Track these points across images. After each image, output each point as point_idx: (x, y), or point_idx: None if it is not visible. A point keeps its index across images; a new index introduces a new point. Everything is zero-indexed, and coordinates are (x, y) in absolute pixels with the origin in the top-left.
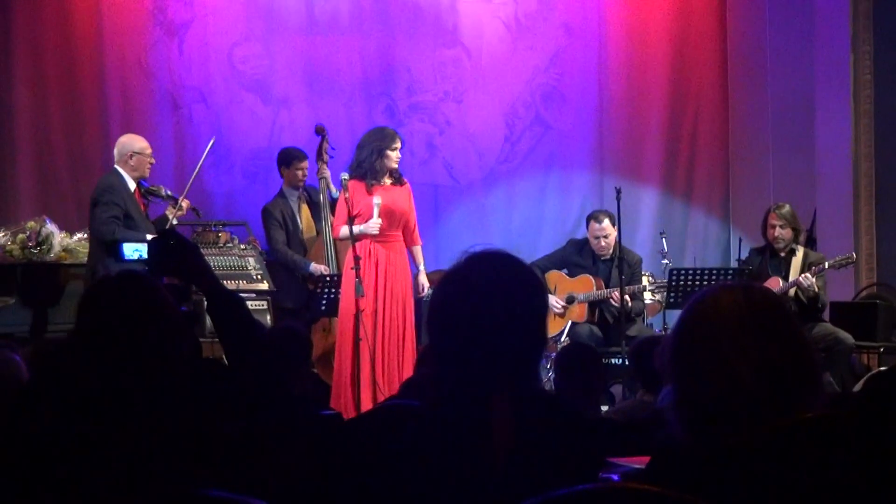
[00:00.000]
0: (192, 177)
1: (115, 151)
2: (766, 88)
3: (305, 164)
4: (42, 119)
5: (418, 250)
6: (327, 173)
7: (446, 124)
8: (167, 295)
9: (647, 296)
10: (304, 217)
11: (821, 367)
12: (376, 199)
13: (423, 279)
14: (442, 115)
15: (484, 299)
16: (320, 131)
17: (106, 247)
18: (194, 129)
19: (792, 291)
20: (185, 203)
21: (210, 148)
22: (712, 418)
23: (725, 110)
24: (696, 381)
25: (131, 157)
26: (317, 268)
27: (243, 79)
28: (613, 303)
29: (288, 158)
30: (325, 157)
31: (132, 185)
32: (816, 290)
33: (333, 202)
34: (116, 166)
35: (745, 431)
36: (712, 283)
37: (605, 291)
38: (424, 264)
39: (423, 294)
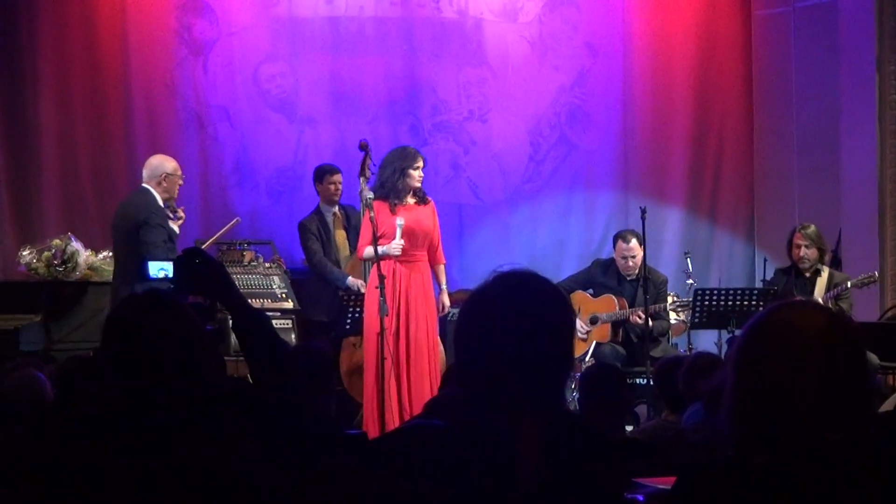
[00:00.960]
0: (208, 242)
1: (146, 172)
2: (791, 108)
3: (338, 177)
4: (67, 138)
5: (441, 269)
6: (369, 194)
7: (471, 144)
8: (192, 314)
9: (672, 316)
10: (339, 235)
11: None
12: (399, 221)
13: (445, 299)
14: (467, 135)
15: (510, 319)
16: (364, 147)
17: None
18: (219, 147)
19: None
20: (182, 212)
21: (232, 226)
22: (766, 432)
23: (750, 130)
24: (760, 391)
25: (165, 178)
26: (354, 282)
27: (268, 98)
28: (637, 321)
29: (320, 173)
30: (368, 173)
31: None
32: (842, 311)
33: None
34: (147, 185)
35: (795, 447)
36: (737, 303)
37: (627, 311)
38: (448, 283)
39: (445, 313)
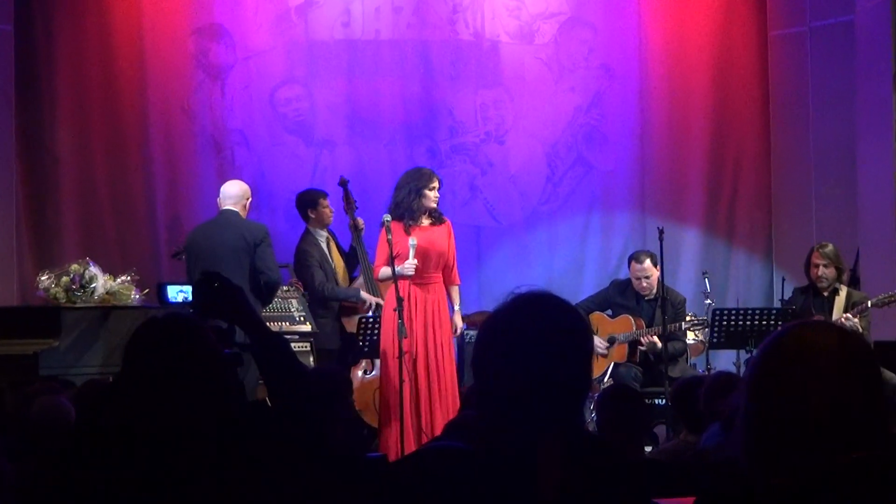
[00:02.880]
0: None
1: (230, 195)
2: (808, 127)
3: (328, 200)
4: (86, 162)
5: (455, 290)
6: (362, 225)
7: (488, 165)
8: (212, 337)
9: (691, 336)
10: (336, 258)
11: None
12: (412, 241)
13: (458, 319)
14: (484, 156)
15: (529, 341)
16: (343, 184)
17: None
18: (237, 171)
19: None
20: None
21: None
22: (782, 452)
23: (767, 149)
24: (774, 413)
25: (248, 200)
26: (368, 296)
27: (285, 121)
28: (654, 341)
29: (314, 199)
30: (354, 205)
31: None
32: (860, 330)
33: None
34: (234, 208)
35: (811, 468)
36: (755, 323)
37: (643, 330)
38: (465, 305)
39: (457, 335)
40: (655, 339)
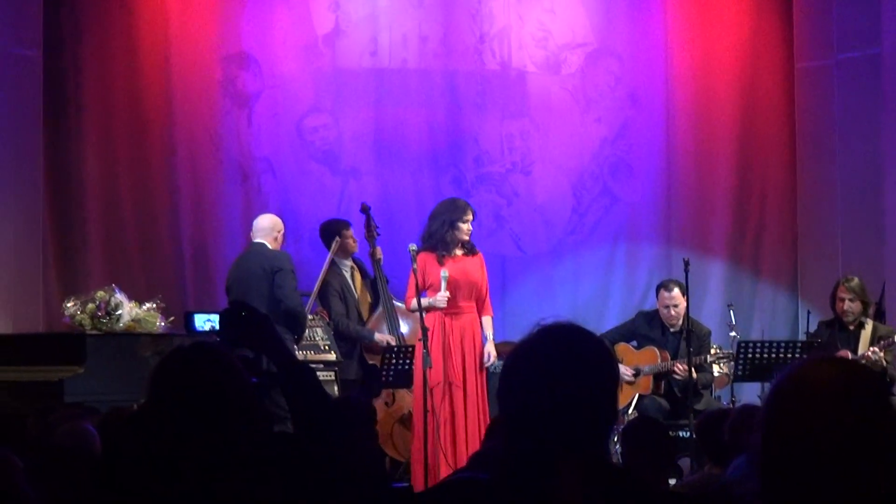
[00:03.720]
0: None
1: (260, 228)
2: (834, 160)
3: (351, 230)
4: (111, 189)
5: (488, 321)
6: (380, 255)
7: (514, 195)
8: (238, 366)
9: (716, 368)
10: (359, 287)
11: None
12: (444, 273)
13: (491, 348)
14: (509, 187)
15: (555, 372)
16: (365, 210)
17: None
18: (263, 199)
19: None
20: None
21: None
22: (797, 488)
23: (793, 181)
24: (786, 450)
25: (280, 233)
26: (381, 337)
27: (312, 149)
28: (677, 374)
29: (336, 228)
30: (375, 233)
31: None
32: (885, 364)
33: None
34: (263, 241)
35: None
36: (780, 356)
37: (669, 363)
38: (493, 334)
39: (489, 364)
40: (686, 367)
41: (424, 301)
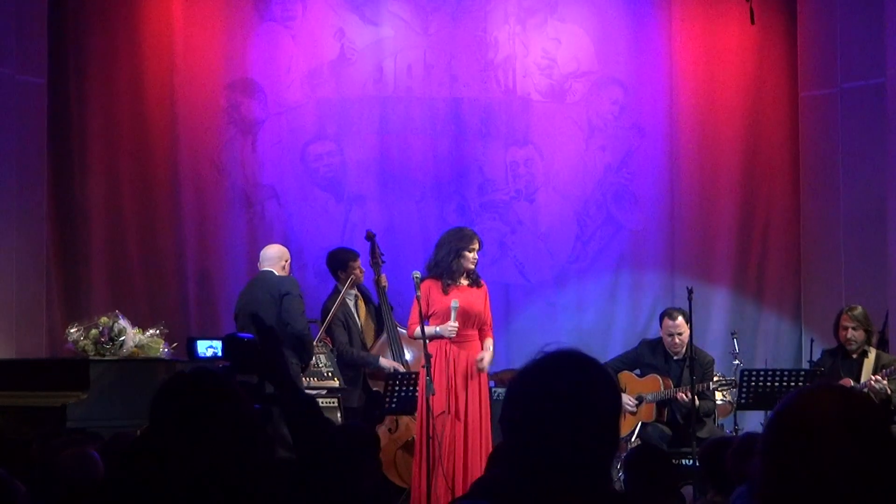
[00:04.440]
0: None
1: (268, 257)
2: (837, 189)
3: (359, 261)
4: (115, 215)
5: (489, 340)
6: (385, 282)
7: (518, 223)
8: (240, 392)
9: (719, 396)
10: (363, 315)
11: None
12: (454, 304)
13: (487, 355)
14: (513, 214)
15: (558, 399)
16: (370, 237)
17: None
18: (267, 226)
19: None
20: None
21: None
22: None
23: (797, 210)
24: (787, 481)
25: (287, 262)
26: (386, 363)
27: (316, 176)
28: (680, 401)
29: (345, 260)
30: (381, 261)
31: None
32: (889, 392)
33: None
34: (271, 269)
35: None
36: (783, 384)
37: (672, 390)
38: (494, 363)
39: (482, 366)
40: (686, 394)
41: (431, 329)
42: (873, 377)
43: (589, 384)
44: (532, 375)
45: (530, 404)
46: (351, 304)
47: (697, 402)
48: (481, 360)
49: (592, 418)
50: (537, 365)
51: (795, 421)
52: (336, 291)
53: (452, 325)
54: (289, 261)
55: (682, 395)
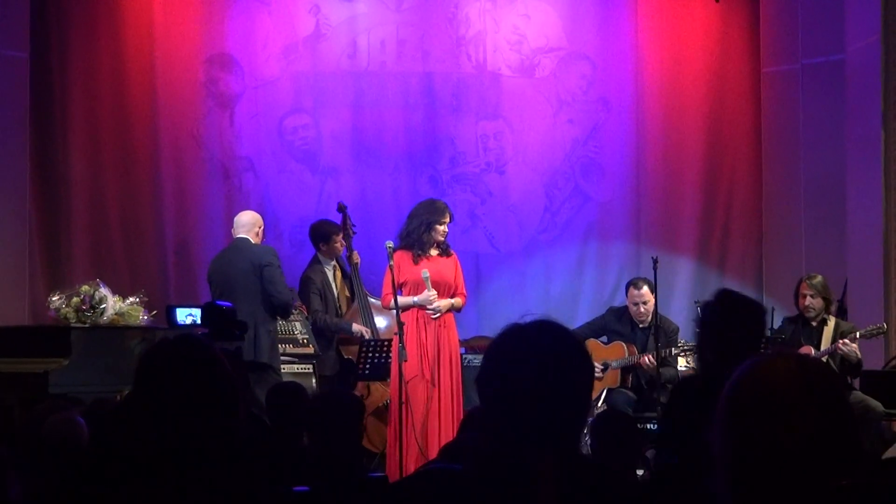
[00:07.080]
0: None
1: (242, 223)
2: (798, 161)
3: (341, 234)
4: (96, 187)
5: (457, 299)
6: (358, 259)
7: (488, 195)
8: (223, 358)
9: (682, 362)
10: (339, 283)
11: (862, 438)
12: (425, 273)
13: (442, 302)
14: (484, 186)
15: (532, 367)
16: (342, 209)
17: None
18: (244, 197)
19: (824, 360)
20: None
21: None
22: (758, 484)
23: (759, 182)
24: (745, 447)
25: (260, 228)
26: (358, 328)
27: (292, 149)
28: (643, 366)
29: (326, 234)
30: (352, 232)
31: None
32: (858, 356)
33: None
34: (246, 236)
35: (788, 499)
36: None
37: (636, 356)
38: (461, 329)
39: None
40: (649, 359)
41: (408, 300)
42: (841, 341)
43: (564, 353)
44: (508, 344)
45: (507, 372)
46: (329, 273)
47: (654, 366)
48: (434, 302)
49: (565, 385)
50: (513, 333)
51: (754, 388)
52: (315, 261)
53: (431, 294)
54: (262, 227)
55: (645, 360)
